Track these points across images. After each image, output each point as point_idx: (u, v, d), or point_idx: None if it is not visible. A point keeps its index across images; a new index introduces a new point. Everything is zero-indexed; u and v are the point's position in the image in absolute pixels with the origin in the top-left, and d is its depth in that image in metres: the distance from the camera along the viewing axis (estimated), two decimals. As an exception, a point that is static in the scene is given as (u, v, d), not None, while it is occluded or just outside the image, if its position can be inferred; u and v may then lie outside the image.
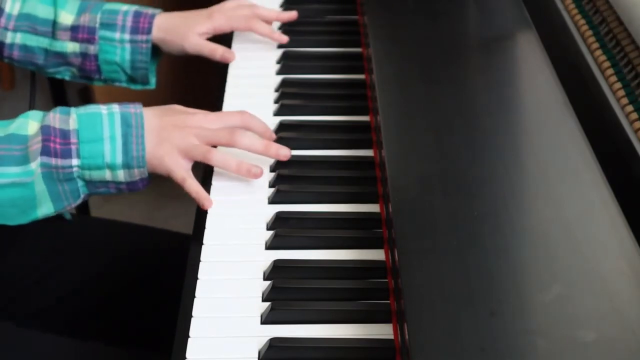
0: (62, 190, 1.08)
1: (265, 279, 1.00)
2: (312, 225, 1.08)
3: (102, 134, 1.07)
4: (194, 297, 0.98)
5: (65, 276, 1.34)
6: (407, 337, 0.83)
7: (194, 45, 1.37)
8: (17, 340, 1.23)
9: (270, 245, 1.05)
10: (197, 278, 1.00)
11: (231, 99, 1.32)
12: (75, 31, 1.34)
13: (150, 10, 1.37)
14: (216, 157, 1.11)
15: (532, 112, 1.15)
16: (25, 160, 1.05)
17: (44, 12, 1.35)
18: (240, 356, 0.92)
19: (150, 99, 2.44)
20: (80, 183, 1.09)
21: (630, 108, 1.05)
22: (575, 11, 1.24)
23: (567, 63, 1.19)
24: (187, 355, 0.91)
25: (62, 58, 1.37)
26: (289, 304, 0.97)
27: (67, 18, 1.35)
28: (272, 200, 1.12)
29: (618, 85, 1.09)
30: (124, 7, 1.36)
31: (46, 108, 1.12)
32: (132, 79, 1.40)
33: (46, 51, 1.36)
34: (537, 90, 1.17)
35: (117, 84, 1.41)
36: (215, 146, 1.13)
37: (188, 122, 1.12)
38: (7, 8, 1.34)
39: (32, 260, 1.35)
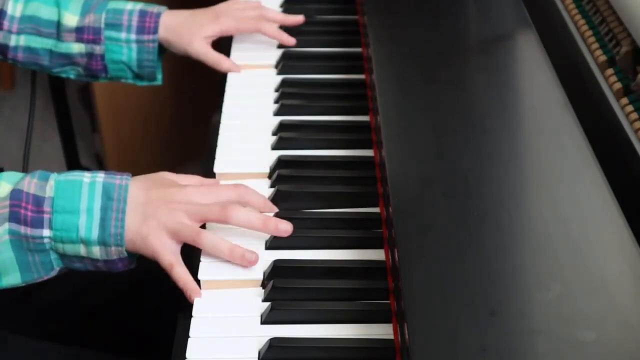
0: (32, 261, 1.00)
1: (265, 279, 1.00)
2: (312, 225, 1.08)
3: (79, 205, 0.98)
4: (194, 297, 0.98)
5: (62, 279, 1.34)
6: (407, 337, 0.83)
7: (198, 51, 1.36)
8: (14, 346, 1.22)
9: (270, 246, 1.05)
10: (197, 278, 1.00)
11: (231, 99, 1.32)
12: (80, 32, 1.34)
13: (155, 9, 1.36)
14: (206, 241, 1.00)
15: (532, 112, 1.15)
16: None
17: (47, 13, 1.35)
18: (240, 356, 0.92)
19: (151, 98, 2.42)
20: (53, 255, 1.00)
21: (630, 108, 1.05)
22: (575, 11, 1.24)
23: (567, 63, 1.19)
24: (187, 355, 0.91)
25: (67, 59, 1.37)
26: (289, 304, 0.97)
27: (71, 19, 1.35)
28: (272, 200, 1.11)
29: (618, 85, 1.09)
30: (129, 6, 1.36)
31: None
32: (138, 76, 1.40)
33: (51, 52, 1.36)
34: (537, 90, 1.17)
35: (123, 80, 1.41)
36: (204, 225, 1.04)
37: (177, 197, 1.02)
38: (10, 10, 1.34)
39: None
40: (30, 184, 1.00)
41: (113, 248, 0.99)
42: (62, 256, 1.01)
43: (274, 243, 1.05)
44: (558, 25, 1.26)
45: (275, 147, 1.21)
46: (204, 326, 0.95)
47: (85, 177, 1.01)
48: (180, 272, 0.99)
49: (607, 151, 1.02)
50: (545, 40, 1.22)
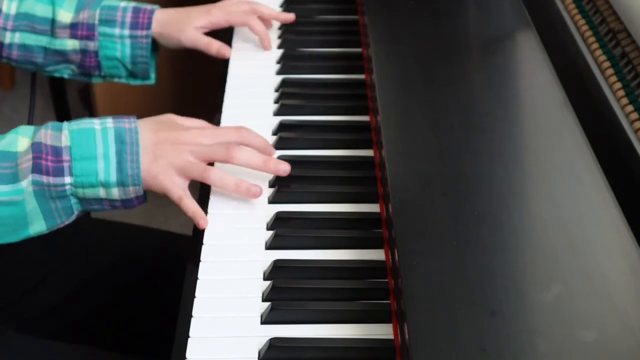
0: (54, 208, 1.06)
1: (265, 279, 1.01)
2: (312, 225, 1.08)
3: (96, 152, 1.05)
4: (194, 297, 0.98)
5: (64, 278, 1.34)
6: (407, 337, 0.83)
7: (190, 38, 1.38)
8: (15, 344, 1.22)
9: (270, 245, 1.05)
10: (197, 278, 1.01)
11: (231, 99, 1.32)
12: (74, 28, 1.35)
13: (149, 7, 1.38)
14: (213, 176, 1.08)
15: (532, 112, 1.15)
16: (15, 178, 1.03)
17: (42, 11, 1.35)
18: (240, 356, 0.92)
19: (151, 99, 2.43)
20: (73, 200, 1.06)
21: (630, 108, 1.05)
22: (575, 11, 1.24)
23: (567, 63, 1.19)
24: (187, 355, 0.92)
25: (61, 56, 1.37)
26: (289, 304, 0.97)
27: (65, 16, 1.35)
28: (272, 200, 1.12)
29: (618, 85, 1.09)
30: (122, 4, 1.37)
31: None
32: (132, 74, 1.40)
33: (45, 49, 1.36)
34: (537, 90, 1.17)
35: (116, 79, 1.42)
36: (212, 163, 1.11)
37: (183, 138, 1.09)
38: (4, 8, 1.35)
39: (31, 262, 1.35)
40: (46, 135, 1.05)
41: (131, 188, 1.06)
42: (82, 200, 1.07)
43: (274, 243, 1.05)
44: (558, 25, 1.26)
45: (275, 147, 1.21)
46: (204, 326, 0.95)
47: (96, 124, 1.07)
48: (189, 203, 1.07)
49: (607, 151, 1.02)
50: (545, 40, 1.22)
